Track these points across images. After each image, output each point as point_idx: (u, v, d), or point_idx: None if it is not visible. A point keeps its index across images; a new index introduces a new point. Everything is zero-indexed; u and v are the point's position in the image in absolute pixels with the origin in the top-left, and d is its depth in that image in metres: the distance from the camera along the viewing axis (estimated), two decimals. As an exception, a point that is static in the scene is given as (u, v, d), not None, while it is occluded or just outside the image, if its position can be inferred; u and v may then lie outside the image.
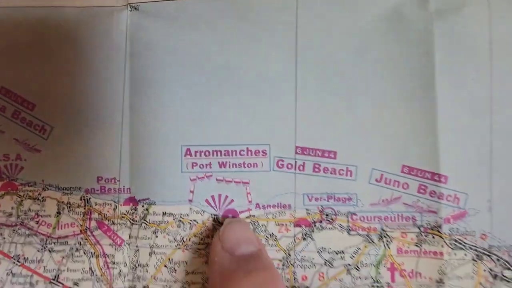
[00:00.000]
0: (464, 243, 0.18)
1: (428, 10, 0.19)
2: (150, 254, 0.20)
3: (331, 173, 0.19)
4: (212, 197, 0.20)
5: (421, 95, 0.19)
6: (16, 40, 0.20)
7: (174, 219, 0.20)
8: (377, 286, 0.19)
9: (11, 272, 0.20)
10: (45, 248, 0.20)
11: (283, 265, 0.19)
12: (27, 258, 0.20)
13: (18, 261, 0.20)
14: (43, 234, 0.20)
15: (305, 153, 0.20)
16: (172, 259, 0.19)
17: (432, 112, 0.19)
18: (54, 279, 0.20)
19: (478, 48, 0.18)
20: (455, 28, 0.19)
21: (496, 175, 0.18)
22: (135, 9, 0.20)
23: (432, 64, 0.19)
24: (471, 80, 0.19)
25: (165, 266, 0.19)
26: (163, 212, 0.20)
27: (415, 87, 0.19)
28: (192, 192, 0.20)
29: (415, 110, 0.19)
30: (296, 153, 0.20)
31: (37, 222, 0.20)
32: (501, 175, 0.18)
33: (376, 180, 0.19)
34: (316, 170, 0.19)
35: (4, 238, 0.20)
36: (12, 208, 0.20)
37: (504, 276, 0.18)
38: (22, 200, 0.20)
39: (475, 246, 0.18)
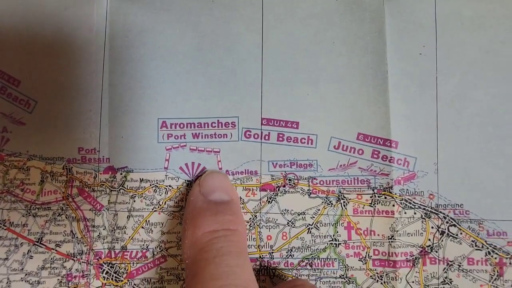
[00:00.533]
0: (414, 202, 0.20)
1: (380, -8, 0.21)
2: (128, 217, 0.21)
3: (293, 142, 0.21)
4: (186, 164, 0.21)
5: (374, 69, 0.21)
6: (4, 22, 0.22)
7: (150, 185, 0.21)
8: (335, 244, 0.21)
9: (-2, 235, 0.21)
10: (29, 213, 0.21)
11: (250, 226, 0.21)
12: (13, 222, 0.21)
13: (4, 225, 0.21)
14: (28, 201, 0.21)
15: (270, 124, 0.21)
16: (149, 221, 0.21)
17: (384, 84, 0.20)
18: (37, 242, 0.21)
19: (424, 26, 0.20)
20: (404, 8, 0.21)
21: (441, 140, 0.20)
22: (115, -6, 0.22)
23: (383, 41, 0.21)
24: (419, 54, 0.20)
25: (142, 227, 0.21)
26: (140, 179, 0.21)
27: (369, 62, 0.21)
28: (167, 160, 0.21)
29: (369, 83, 0.21)
30: (262, 124, 0.21)
31: (22, 190, 0.21)
32: (446, 140, 0.20)
33: (335, 147, 0.21)
34: (280, 139, 0.21)
35: (-9, 204, 0.21)
36: (-1, 177, 0.22)
37: (450, 232, 0.20)
38: (8, 170, 0.21)
39: (424, 205, 0.20)
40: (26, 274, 0.21)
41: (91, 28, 0.22)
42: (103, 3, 0.22)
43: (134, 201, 0.21)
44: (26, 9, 0.22)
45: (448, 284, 0.20)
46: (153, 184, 0.21)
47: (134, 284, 0.21)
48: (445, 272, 0.20)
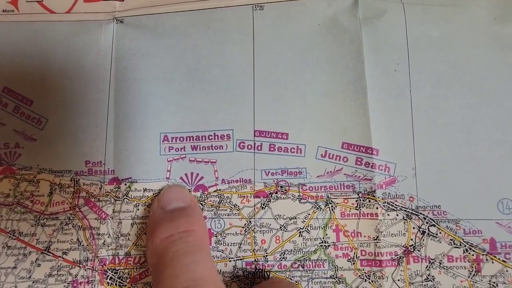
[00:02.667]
0: (395, 205, 0.22)
1: (357, 17, 0.23)
2: (132, 225, 0.22)
3: (284, 152, 0.23)
4: (186, 174, 0.23)
5: (355, 84, 0.23)
6: (18, 48, 0.24)
7: (153, 194, 0.23)
8: (325, 246, 0.22)
9: (7, 245, 0.22)
10: (38, 223, 0.23)
11: (245, 231, 0.22)
12: (22, 232, 0.22)
13: (13, 235, 0.22)
14: (37, 211, 0.23)
15: (262, 135, 0.23)
16: (150, 228, 0.22)
17: (364, 98, 0.23)
18: (45, 250, 0.22)
19: (397, 46, 0.23)
20: (379, 31, 0.23)
21: (418, 147, 0.22)
22: (121, 22, 0.25)
23: (362, 60, 0.23)
24: (394, 71, 0.23)
25: (145, 233, 0.22)
26: (143, 188, 0.23)
27: (350, 79, 0.23)
28: (169, 171, 0.23)
29: (350, 97, 0.23)
30: (254, 136, 0.23)
31: (32, 201, 0.23)
32: (422, 147, 0.22)
33: (322, 156, 0.23)
34: (272, 149, 0.23)
35: (1, 216, 0.23)
36: (10, 189, 0.23)
37: (430, 232, 0.22)
38: (19, 183, 0.23)
39: (405, 207, 0.22)
40: (33, 282, 0.22)
41: (99, 52, 0.24)
42: (110, 29, 0.24)
43: (138, 209, 0.23)
44: (39, 35, 0.24)
45: (431, 281, 0.21)
46: (155, 193, 0.23)
47: (137, 289, 0.22)
48: (428, 269, 0.21)
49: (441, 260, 0.21)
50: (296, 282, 0.22)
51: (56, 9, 0.25)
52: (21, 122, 0.24)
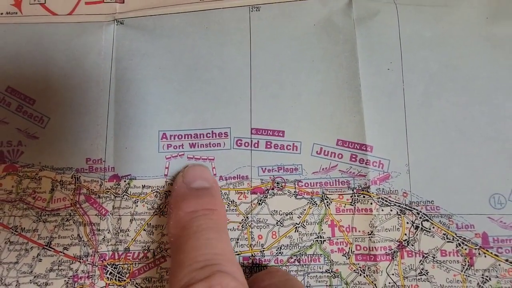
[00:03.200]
0: (389, 200, 0.22)
1: (351, 18, 0.24)
2: (131, 220, 0.23)
3: (280, 149, 0.23)
4: (183, 172, 0.24)
5: (349, 83, 0.23)
6: (22, 48, 0.25)
7: (152, 191, 0.23)
8: (321, 241, 0.22)
9: (9, 240, 0.23)
10: (40, 219, 0.23)
11: (242, 226, 0.23)
12: (24, 228, 0.23)
13: (16, 231, 0.23)
14: (39, 208, 0.23)
15: (259, 133, 0.24)
16: (150, 223, 0.23)
17: (358, 96, 0.23)
18: (47, 245, 0.23)
19: (390, 45, 0.23)
20: (372, 31, 0.24)
21: (411, 144, 0.23)
22: (121, 23, 0.25)
23: (356, 59, 0.23)
24: (387, 70, 0.23)
25: (144, 230, 0.23)
26: (142, 185, 0.23)
27: (344, 77, 0.23)
28: (167, 168, 0.24)
29: (345, 95, 0.23)
30: (251, 133, 0.24)
31: (34, 198, 0.23)
32: (415, 144, 0.23)
33: (317, 153, 0.23)
34: (268, 146, 0.23)
35: (4, 212, 0.23)
36: (12, 186, 0.23)
37: (424, 227, 0.22)
38: (21, 180, 0.24)
39: (398, 203, 0.22)
40: (34, 277, 0.22)
41: (100, 52, 0.25)
42: (110, 30, 0.25)
43: (137, 205, 0.23)
44: (42, 37, 0.25)
45: (425, 275, 0.22)
46: (154, 190, 0.23)
47: (136, 283, 0.22)
48: (421, 264, 0.22)
49: (434, 255, 0.22)
50: (292, 276, 0.22)
51: (58, 11, 0.26)
52: (23, 120, 0.24)
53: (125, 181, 0.23)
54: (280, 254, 0.22)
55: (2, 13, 0.25)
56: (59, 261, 0.23)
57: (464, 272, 0.21)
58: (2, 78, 0.24)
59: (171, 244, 0.20)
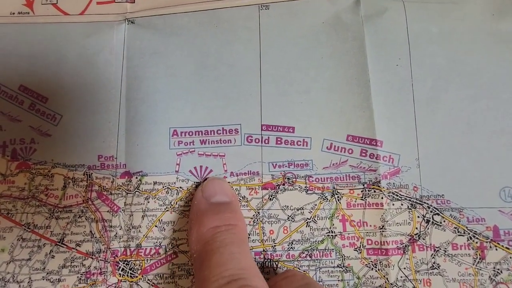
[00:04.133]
0: (400, 195, 0.22)
1: (359, 15, 0.24)
2: (143, 217, 0.23)
3: (290, 145, 0.24)
4: (195, 168, 0.24)
5: (358, 79, 0.24)
6: (34, 47, 0.25)
7: (163, 187, 0.23)
8: (332, 235, 0.23)
9: (22, 237, 0.23)
10: (52, 216, 0.23)
11: (253, 222, 0.23)
12: (36, 225, 0.23)
13: (28, 228, 0.23)
14: (51, 205, 0.23)
15: (269, 129, 0.24)
16: (161, 220, 0.23)
17: (367, 92, 0.23)
18: (59, 242, 0.23)
19: (399, 42, 0.24)
20: (380, 28, 0.24)
21: (421, 138, 0.23)
22: (132, 22, 0.26)
23: (364, 55, 0.24)
24: (396, 66, 0.24)
25: (156, 226, 0.23)
26: (154, 182, 0.23)
27: (353, 74, 0.24)
28: (178, 164, 0.24)
29: (354, 91, 0.24)
30: (262, 130, 0.24)
31: (46, 195, 0.24)
32: (425, 138, 0.23)
33: (327, 148, 0.23)
34: (279, 142, 0.24)
35: (17, 209, 0.23)
36: (25, 183, 0.24)
37: (435, 220, 0.22)
38: (34, 177, 0.24)
39: (409, 197, 0.22)
40: (47, 273, 0.23)
41: (111, 51, 0.25)
42: (121, 29, 0.25)
43: (148, 202, 0.23)
44: (54, 36, 0.25)
45: (437, 269, 0.22)
46: (165, 186, 0.23)
47: (148, 280, 0.23)
48: (433, 257, 0.22)
49: (445, 248, 0.22)
50: (304, 271, 0.22)
51: (70, 11, 0.26)
52: (36, 118, 0.24)
53: (136, 178, 0.24)
54: (291, 249, 0.23)
55: (14, 13, 0.26)
56: (72, 257, 0.23)
57: (476, 266, 0.21)
58: (15, 77, 0.25)
59: (194, 260, 0.20)
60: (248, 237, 0.23)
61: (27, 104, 0.25)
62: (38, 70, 0.25)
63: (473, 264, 0.22)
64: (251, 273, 0.18)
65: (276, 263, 0.23)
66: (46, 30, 0.25)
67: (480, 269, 0.21)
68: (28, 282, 0.23)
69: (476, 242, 0.22)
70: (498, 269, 0.21)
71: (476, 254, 0.22)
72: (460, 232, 0.22)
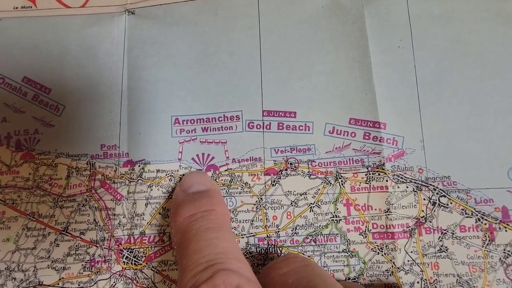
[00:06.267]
0: (405, 177, 0.22)
1: (359, -2, 0.24)
2: (146, 205, 0.23)
3: (292, 130, 0.23)
4: (197, 155, 0.24)
5: (359, 62, 0.23)
6: (37, 40, 0.25)
7: (166, 175, 0.23)
8: (336, 220, 0.22)
9: (27, 227, 0.23)
10: (56, 205, 0.23)
11: (256, 208, 0.23)
12: (41, 214, 0.23)
13: (33, 217, 0.23)
14: (55, 194, 0.24)
15: (271, 115, 0.24)
16: (165, 207, 0.23)
17: (369, 74, 0.23)
18: (64, 230, 0.23)
19: (400, 23, 0.23)
20: (380, 10, 0.24)
21: (425, 120, 0.22)
22: (132, 13, 0.26)
23: (365, 38, 0.23)
24: (397, 47, 0.23)
25: (159, 213, 0.23)
26: (157, 170, 0.23)
27: (354, 56, 0.23)
28: (180, 152, 0.24)
29: (355, 74, 0.23)
30: (263, 115, 0.24)
31: (50, 184, 0.24)
32: (429, 120, 0.22)
33: (329, 132, 0.23)
34: (280, 128, 0.24)
35: (21, 199, 0.24)
36: (29, 174, 0.24)
37: (441, 202, 0.22)
38: (38, 167, 0.24)
39: (414, 179, 0.22)
40: (52, 261, 0.23)
41: (112, 41, 0.25)
42: (122, 20, 0.25)
43: (152, 190, 0.23)
44: (56, 29, 0.26)
45: (445, 252, 0.21)
46: (168, 174, 0.23)
47: (153, 267, 0.22)
48: (440, 240, 0.21)
49: (453, 231, 0.21)
50: (309, 256, 0.22)
51: (71, 3, 0.26)
52: (40, 109, 0.25)
53: (139, 166, 0.24)
54: (295, 234, 0.22)
55: (17, 7, 0.26)
56: (76, 245, 0.23)
57: (485, 248, 0.21)
58: (19, 69, 0.25)
59: (175, 252, 0.20)
60: (252, 224, 0.23)
61: (31, 96, 0.25)
62: (41, 62, 0.25)
63: (483, 246, 0.21)
64: (229, 257, 0.17)
65: (280, 249, 0.22)
66: (48, 23, 0.26)
67: (490, 251, 0.21)
68: (33, 270, 0.23)
69: (485, 224, 0.21)
70: (509, 251, 0.21)
71: (485, 236, 0.21)
72: (468, 214, 0.21)
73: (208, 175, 0.23)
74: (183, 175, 0.23)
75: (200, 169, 0.23)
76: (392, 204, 0.22)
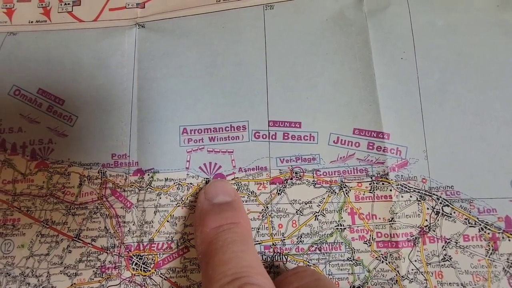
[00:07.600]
0: (409, 187, 0.22)
1: (363, 11, 0.25)
2: (155, 212, 0.24)
3: (297, 139, 0.24)
4: (204, 164, 0.24)
5: (363, 73, 0.24)
6: (52, 53, 0.26)
7: (174, 183, 0.24)
8: (341, 229, 0.23)
9: (41, 233, 0.24)
10: (69, 212, 0.24)
11: (262, 216, 0.23)
12: (54, 221, 0.24)
13: (47, 224, 0.24)
14: (68, 202, 0.24)
15: (276, 125, 0.24)
16: (173, 215, 0.24)
17: (373, 85, 0.24)
18: (76, 237, 0.24)
19: (403, 35, 0.24)
20: (384, 22, 0.24)
21: (428, 130, 0.23)
22: (142, 26, 0.27)
23: (369, 50, 0.24)
24: (401, 59, 0.24)
25: (168, 221, 0.23)
26: (165, 178, 0.24)
27: (358, 68, 0.24)
28: (188, 161, 0.24)
29: (360, 85, 0.24)
30: (269, 125, 0.24)
31: (63, 192, 0.25)
32: (432, 130, 0.23)
33: (334, 142, 0.24)
34: (286, 137, 0.24)
35: (36, 206, 0.24)
36: (43, 182, 0.25)
37: (445, 212, 0.22)
38: (51, 175, 0.25)
39: (418, 189, 0.22)
40: (65, 267, 0.23)
41: (123, 54, 0.26)
42: (133, 33, 0.26)
43: (160, 198, 0.24)
44: (69, 42, 0.27)
45: (448, 261, 0.21)
46: (176, 183, 0.24)
47: (161, 273, 0.23)
48: (444, 249, 0.22)
49: (457, 240, 0.22)
50: (314, 265, 0.22)
51: (84, 17, 0.27)
52: (54, 120, 0.26)
53: (148, 175, 0.24)
54: (301, 242, 0.23)
55: (32, 22, 0.27)
56: (88, 252, 0.23)
57: (489, 257, 0.21)
58: (34, 81, 0.26)
59: (200, 260, 0.20)
60: (258, 231, 0.23)
61: (45, 107, 0.26)
62: (55, 74, 0.26)
63: (486, 256, 0.21)
64: (254, 271, 0.18)
65: (286, 256, 0.23)
66: (62, 37, 0.27)
67: (493, 261, 0.21)
68: (47, 276, 0.23)
69: (488, 233, 0.21)
70: (512, 261, 0.21)
71: (489, 245, 0.21)
72: (471, 223, 0.22)
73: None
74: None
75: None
76: (396, 213, 0.22)
